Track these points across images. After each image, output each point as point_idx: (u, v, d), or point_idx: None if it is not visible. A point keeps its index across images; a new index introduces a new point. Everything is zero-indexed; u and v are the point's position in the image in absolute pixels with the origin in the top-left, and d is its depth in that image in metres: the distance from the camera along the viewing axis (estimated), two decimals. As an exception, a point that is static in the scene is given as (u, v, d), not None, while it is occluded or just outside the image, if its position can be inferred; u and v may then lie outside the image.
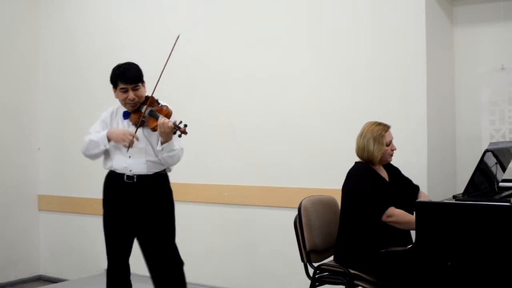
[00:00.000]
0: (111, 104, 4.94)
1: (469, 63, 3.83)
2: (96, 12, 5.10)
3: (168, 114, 3.16)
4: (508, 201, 2.52)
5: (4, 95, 5.15)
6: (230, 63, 4.33)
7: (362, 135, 3.11)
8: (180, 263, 3.29)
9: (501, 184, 3.16)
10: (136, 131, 3.21)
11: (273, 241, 4.11)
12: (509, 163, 3.28)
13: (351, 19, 3.82)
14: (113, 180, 3.30)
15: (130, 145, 3.18)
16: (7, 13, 5.18)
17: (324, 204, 3.33)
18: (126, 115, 3.30)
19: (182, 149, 3.22)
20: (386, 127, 3.12)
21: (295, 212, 3.23)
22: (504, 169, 3.20)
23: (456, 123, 3.90)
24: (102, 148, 3.28)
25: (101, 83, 5.05)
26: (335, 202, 3.41)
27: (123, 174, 3.24)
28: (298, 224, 3.19)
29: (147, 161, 3.21)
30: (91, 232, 5.10)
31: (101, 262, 5.03)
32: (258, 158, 4.19)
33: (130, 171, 3.22)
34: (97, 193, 5.02)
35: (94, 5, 5.11)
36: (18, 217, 5.26)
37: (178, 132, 3.05)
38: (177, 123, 3.06)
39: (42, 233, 5.43)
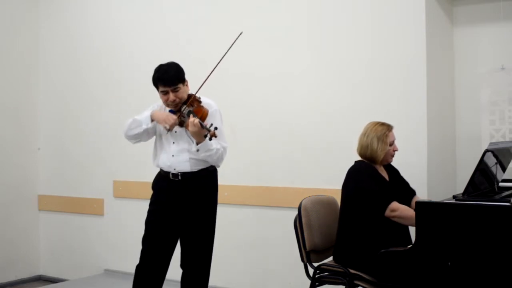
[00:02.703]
0: (111, 104, 4.98)
1: (469, 63, 3.83)
2: (96, 12, 5.10)
3: (203, 115, 3.13)
4: (508, 201, 2.52)
5: (4, 95, 5.15)
6: (230, 63, 4.31)
7: (365, 134, 3.12)
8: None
9: (501, 184, 3.16)
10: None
11: (273, 241, 4.11)
12: (509, 163, 3.28)
13: (351, 19, 3.82)
14: (162, 178, 3.34)
15: (170, 128, 3.20)
16: (7, 13, 5.18)
17: (324, 204, 3.34)
18: (172, 112, 3.31)
19: (225, 148, 3.22)
20: (389, 127, 3.13)
21: (295, 212, 3.23)
22: (504, 169, 3.21)
23: (456, 123, 3.90)
24: (144, 127, 3.30)
25: (101, 83, 5.07)
26: (335, 202, 3.41)
27: (169, 172, 3.27)
28: (298, 224, 3.20)
29: (190, 158, 3.23)
30: (91, 232, 5.11)
31: (101, 262, 5.04)
32: (258, 158, 4.19)
33: (174, 169, 3.25)
34: (97, 193, 5.07)
35: (94, 5, 5.11)
36: (18, 217, 5.26)
37: (208, 136, 3.02)
38: (208, 125, 3.02)
39: (42, 233, 5.43)
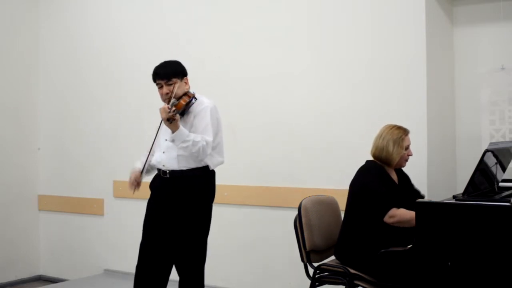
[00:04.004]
0: (111, 104, 4.98)
1: (469, 63, 3.83)
2: (96, 12, 5.10)
3: (177, 106, 3.17)
4: (508, 201, 2.52)
5: (4, 95, 5.15)
6: (230, 63, 4.33)
7: (381, 136, 3.11)
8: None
9: (501, 184, 3.16)
10: (155, 136, 3.33)
11: (273, 241, 4.11)
12: (509, 163, 3.28)
13: (351, 19, 3.82)
14: (156, 176, 3.40)
15: (132, 190, 3.40)
16: (7, 13, 5.17)
17: (324, 204, 3.33)
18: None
19: (207, 142, 3.18)
20: (406, 131, 3.12)
21: (295, 212, 3.23)
22: (504, 169, 3.21)
23: (456, 123, 3.90)
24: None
25: (101, 83, 5.07)
26: (335, 202, 3.41)
27: (160, 170, 3.32)
28: (298, 224, 3.19)
29: (178, 155, 3.23)
30: (91, 232, 5.11)
31: (101, 262, 5.04)
32: (258, 158, 4.19)
33: (164, 166, 3.28)
34: (97, 193, 5.07)
35: (94, 5, 5.11)
36: (18, 217, 5.26)
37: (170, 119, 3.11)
38: (173, 110, 3.09)
39: (42, 233, 5.43)
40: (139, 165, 3.44)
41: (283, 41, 4.09)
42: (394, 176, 3.16)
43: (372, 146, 3.14)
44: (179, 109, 3.16)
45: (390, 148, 3.06)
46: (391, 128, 3.12)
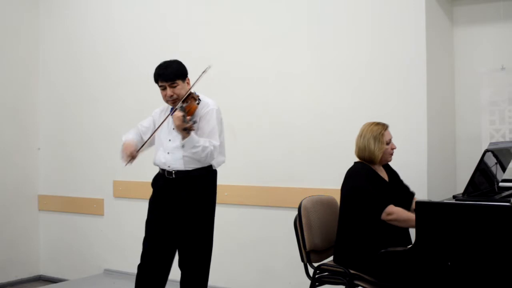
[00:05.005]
0: (110, 104, 4.98)
1: (469, 63, 3.83)
2: (96, 13, 5.10)
3: (190, 111, 3.15)
4: (508, 201, 2.52)
5: (4, 95, 5.15)
6: (230, 63, 4.33)
7: (361, 136, 3.11)
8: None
9: (501, 184, 3.16)
10: (157, 128, 3.31)
11: (273, 241, 4.11)
12: (509, 163, 3.28)
13: (351, 19, 3.83)
14: (159, 176, 3.38)
15: (126, 162, 3.33)
16: (7, 13, 5.18)
17: (324, 204, 3.34)
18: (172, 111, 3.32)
19: (215, 146, 3.20)
20: (385, 126, 3.12)
21: (295, 212, 3.23)
22: (504, 169, 3.21)
23: (456, 123, 3.90)
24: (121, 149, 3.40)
25: (101, 83, 5.07)
26: (335, 202, 3.41)
27: (164, 170, 3.30)
28: (298, 224, 3.20)
29: (183, 156, 3.22)
30: (91, 232, 5.11)
31: (101, 262, 5.04)
32: (258, 158, 4.19)
33: (169, 166, 3.27)
34: (97, 193, 5.07)
35: (94, 5, 5.12)
36: (18, 217, 5.26)
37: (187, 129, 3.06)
38: (189, 118, 3.06)
39: (42, 233, 5.43)
40: (131, 137, 3.41)
41: (283, 41, 4.09)
42: (383, 173, 3.16)
43: (355, 147, 3.14)
44: (192, 116, 3.13)
45: (372, 145, 3.07)
46: (370, 126, 3.12)
